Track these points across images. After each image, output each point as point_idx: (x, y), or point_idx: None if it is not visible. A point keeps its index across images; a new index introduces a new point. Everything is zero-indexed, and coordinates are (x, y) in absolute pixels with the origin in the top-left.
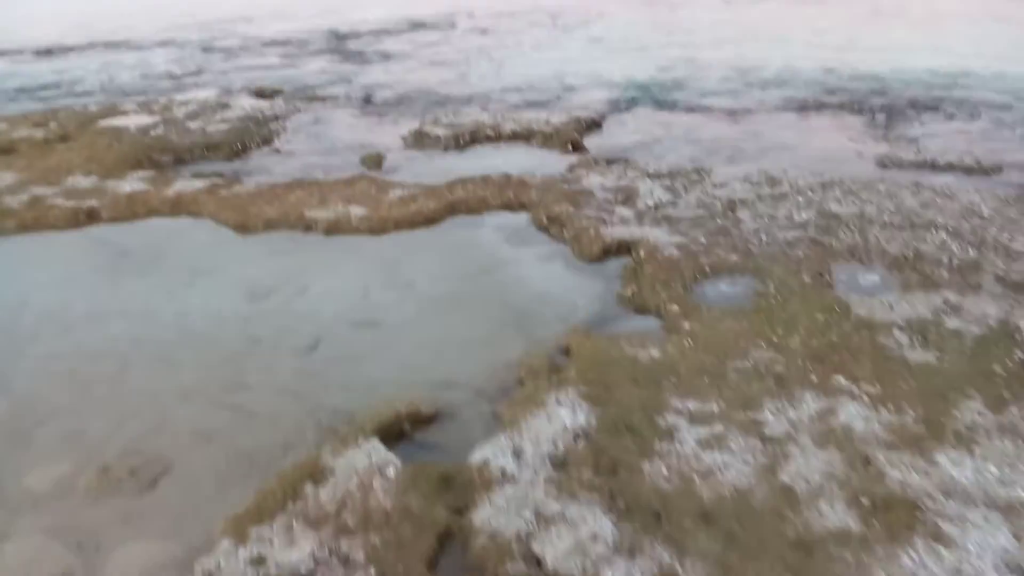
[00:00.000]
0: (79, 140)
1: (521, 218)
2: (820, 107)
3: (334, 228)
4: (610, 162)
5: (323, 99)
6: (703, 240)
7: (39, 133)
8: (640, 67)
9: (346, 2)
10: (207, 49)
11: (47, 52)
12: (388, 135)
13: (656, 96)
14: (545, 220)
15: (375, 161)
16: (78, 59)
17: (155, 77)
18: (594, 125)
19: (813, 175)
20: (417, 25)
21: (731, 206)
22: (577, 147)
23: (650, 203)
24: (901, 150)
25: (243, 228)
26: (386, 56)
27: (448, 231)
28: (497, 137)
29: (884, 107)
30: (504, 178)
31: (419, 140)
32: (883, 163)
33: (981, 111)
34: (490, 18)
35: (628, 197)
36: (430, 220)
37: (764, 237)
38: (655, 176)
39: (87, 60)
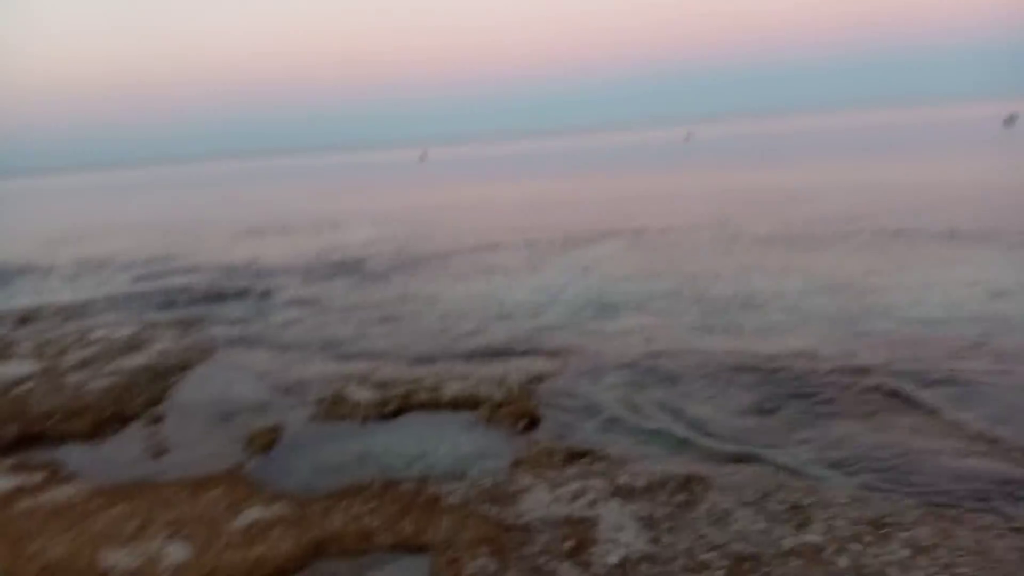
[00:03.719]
0: None
1: (415, 575)
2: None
3: None
4: (572, 456)
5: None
6: None
7: None
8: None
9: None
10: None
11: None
12: (306, 394)
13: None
14: None
15: (263, 443)
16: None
17: (102, 302)
18: (560, 375)
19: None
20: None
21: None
22: (532, 422)
23: (613, 559)
24: None
25: (11, 575)
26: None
27: None
28: (435, 404)
29: None
30: (412, 490)
31: (335, 406)
32: None
33: None
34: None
35: (580, 543)
36: (279, 572)
37: None
38: (627, 493)
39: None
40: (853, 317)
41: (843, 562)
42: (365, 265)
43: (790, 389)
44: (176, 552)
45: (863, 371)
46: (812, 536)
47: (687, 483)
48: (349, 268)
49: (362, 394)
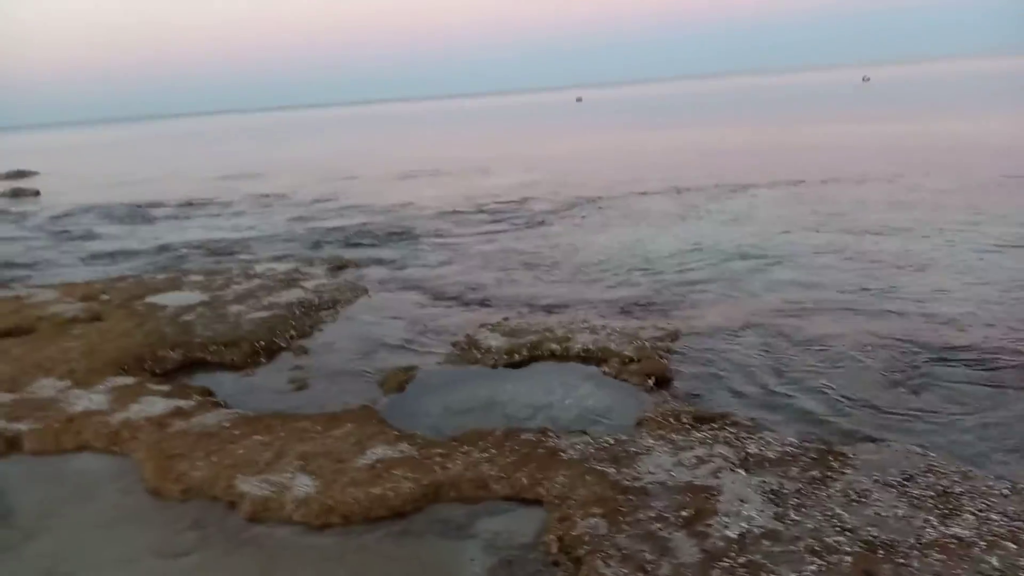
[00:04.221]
0: (107, 321)
1: (526, 528)
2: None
3: (258, 514)
4: (700, 419)
5: (392, 281)
6: None
7: (73, 309)
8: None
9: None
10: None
11: (188, 204)
12: (443, 337)
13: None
14: (556, 548)
15: (396, 384)
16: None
17: (265, 239)
18: (700, 335)
19: None
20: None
21: (875, 558)
22: (662, 381)
23: (732, 532)
24: None
25: (157, 493)
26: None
27: (408, 542)
28: (564, 355)
29: None
30: (533, 440)
31: (468, 351)
32: None
33: None
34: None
35: (698, 512)
36: (395, 513)
37: None
38: (755, 463)
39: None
40: None
41: (994, 562)
42: (512, 210)
43: (951, 362)
44: (303, 484)
45: None
46: (959, 529)
47: (823, 457)
48: (496, 213)
49: (494, 340)
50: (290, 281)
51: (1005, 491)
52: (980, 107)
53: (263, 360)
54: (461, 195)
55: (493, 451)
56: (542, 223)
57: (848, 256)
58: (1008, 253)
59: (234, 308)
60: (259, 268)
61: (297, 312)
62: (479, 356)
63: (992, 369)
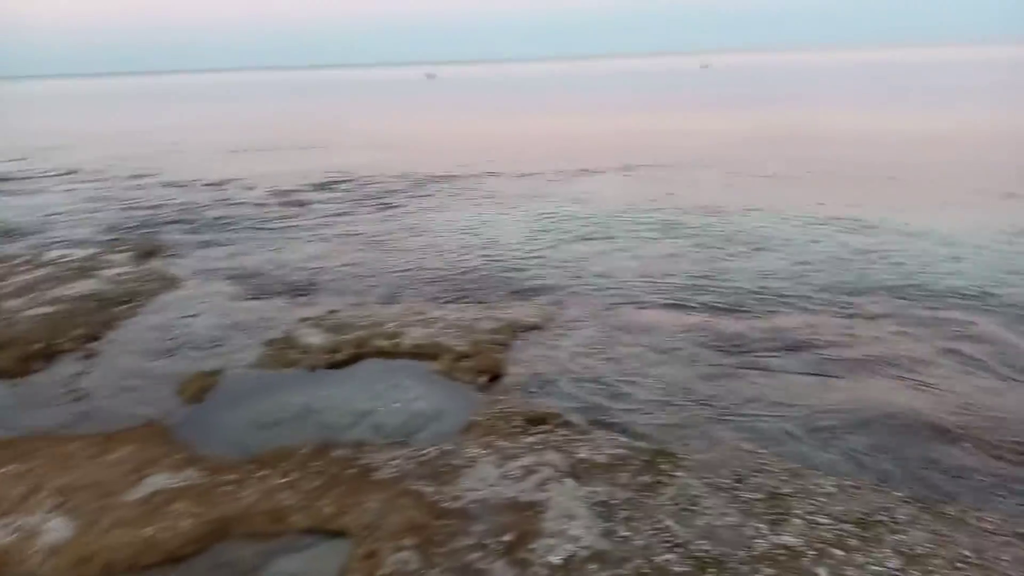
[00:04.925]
0: None
1: (326, 567)
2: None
3: None
4: (531, 421)
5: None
6: None
7: None
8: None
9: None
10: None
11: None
12: (258, 335)
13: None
14: None
15: (195, 392)
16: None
17: (64, 221)
18: (538, 327)
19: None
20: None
21: None
22: (496, 378)
23: (556, 557)
24: None
25: None
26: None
27: None
28: (393, 352)
29: None
30: (345, 458)
31: (283, 351)
32: None
33: None
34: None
35: (521, 535)
36: (170, 558)
37: None
38: (584, 471)
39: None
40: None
41: (822, 573)
42: (351, 189)
43: (778, 351)
44: (57, 528)
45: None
46: (789, 537)
47: (654, 459)
48: (334, 192)
49: (315, 337)
50: (85, 271)
51: (831, 488)
52: (812, 97)
53: (38, 366)
54: (297, 172)
55: (296, 474)
56: (384, 204)
57: (687, 240)
58: (833, 234)
59: (10, 303)
60: (51, 255)
61: (90, 307)
62: (296, 356)
63: (816, 357)
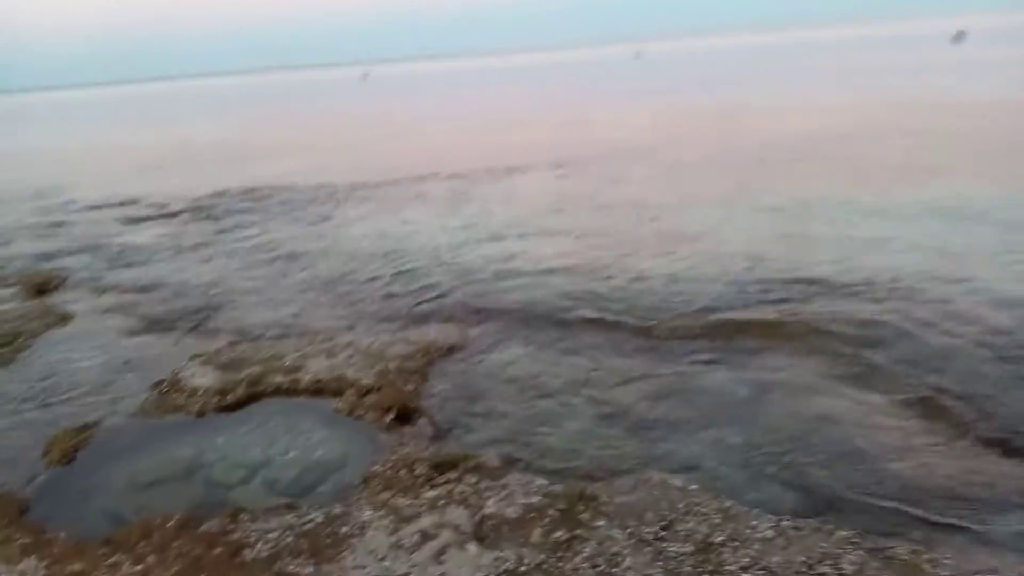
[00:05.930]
0: None
1: None
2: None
3: None
4: (437, 467)
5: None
6: None
7: None
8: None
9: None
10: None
11: None
12: (146, 376)
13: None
14: None
15: (63, 451)
16: None
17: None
18: (454, 350)
19: None
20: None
21: None
22: (404, 415)
23: None
24: None
25: None
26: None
27: None
28: (292, 389)
29: None
30: (215, 532)
31: (168, 395)
32: None
33: None
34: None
35: None
36: None
37: None
38: (491, 530)
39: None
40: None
41: None
42: (270, 202)
43: (707, 361)
44: None
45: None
46: None
47: (572, 507)
48: (251, 205)
49: (203, 378)
50: None
51: (768, 531)
52: (746, 81)
53: None
54: (211, 185)
55: (153, 558)
56: (297, 219)
57: (607, 238)
58: (773, 220)
59: None
60: None
61: None
62: (182, 402)
63: (756, 367)
